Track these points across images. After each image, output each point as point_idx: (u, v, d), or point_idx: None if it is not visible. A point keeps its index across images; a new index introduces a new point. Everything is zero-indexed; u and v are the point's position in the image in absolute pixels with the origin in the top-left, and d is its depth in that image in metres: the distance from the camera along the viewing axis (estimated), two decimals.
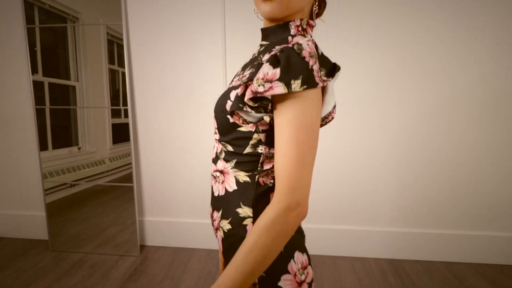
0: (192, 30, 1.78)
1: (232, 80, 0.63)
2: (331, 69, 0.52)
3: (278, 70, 0.47)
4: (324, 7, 0.64)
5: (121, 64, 2.05)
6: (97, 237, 2.07)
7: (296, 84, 0.46)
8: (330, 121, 0.63)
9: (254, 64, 0.58)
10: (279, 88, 0.46)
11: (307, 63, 0.47)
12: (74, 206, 2.16)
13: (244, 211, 0.55)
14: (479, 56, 1.66)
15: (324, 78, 0.50)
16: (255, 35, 1.73)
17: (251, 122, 0.54)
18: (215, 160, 0.62)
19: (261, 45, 0.62)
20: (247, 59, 1.76)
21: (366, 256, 1.92)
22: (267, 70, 0.48)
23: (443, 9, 1.63)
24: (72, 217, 2.15)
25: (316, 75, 0.48)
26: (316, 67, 0.48)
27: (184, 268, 1.80)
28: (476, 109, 1.73)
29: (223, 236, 0.58)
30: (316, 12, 0.61)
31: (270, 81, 0.47)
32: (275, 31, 0.59)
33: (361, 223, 1.89)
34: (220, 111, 0.57)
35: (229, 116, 0.55)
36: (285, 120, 0.48)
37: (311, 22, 0.59)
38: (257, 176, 0.56)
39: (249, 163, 0.57)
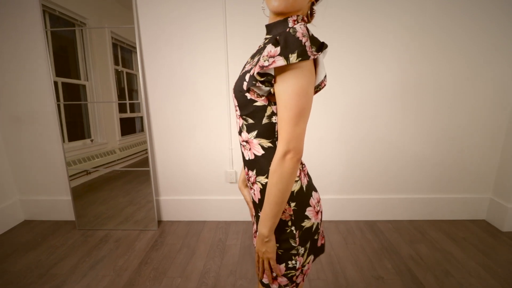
0: (196, 31, 1.85)
1: (244, 67, 0.70)
2: (320, 46, 0.60)
3: (278, 48, 0.56)
4: (314, 16, 0.74)
5: (125, 65, 2.11)
6: (117, 216, 2.18)
7: (293, 57, 0.55)
8: (323, 87, 0.72)
9: (260, 52, 0.66)
10: (280, 61, 0.56)
11: (301, 41, 0.56)
12: (92, 191, 2.24)
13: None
14: (398, 57, 1.84)
15: (315, 52, 0.58)
16: (253, 34, 1.83)
17: (263, 96, 0.63)
18: (240, 133, 0.72)
19: (266, 38, 0.70)
20: (246, 54, 1.86)
21: (347, 219, 2.14)
22: (270, 49, 0.57)
23: (359, 23, 1.78)
24: (91, 200, 2.23)
25: (308, 50, 0.57)
26: (308, 44, 0.57)
27: (198, 238, 1.95)
28: (399, 98, 1.91)
29: (261, 188, 0.70)
30: (313, 13, 0.70)
31: (273, 57, 0.56)
32: (277, 25, 0.67)
33: (342, 193, 2.09)
34: (239, 91, 0.66)
35: (247, 94, 0.65)
36: (281, 89, 0.59)
37: (305, 18, 0.67)
38: (276, 142, 0.67)
39: (268, 132, 0.67)
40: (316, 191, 0.75)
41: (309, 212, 0.71)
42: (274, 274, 0.71)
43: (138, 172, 2.20)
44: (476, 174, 2.03)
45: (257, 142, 0.68)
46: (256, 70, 0.60)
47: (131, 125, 2.41)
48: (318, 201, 0.74)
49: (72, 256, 1.74)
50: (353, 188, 2.08)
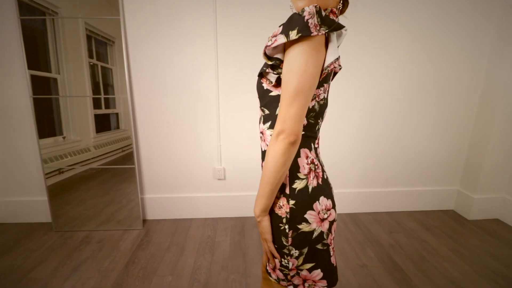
0: (186, 28, 1.83)
1: None
2: (330, 25, 0.58)
3: (281, 28, 0.58)
4: (347, 6, 0.69)
5: (100, 58, 2.04)
6: (97, 216, 2.10)
7: (293, 34, 0.55)
8: (332, 69, 0.65)
9: None
10: (281, 39, 0.57)
11: (304, 17, 0.55)
12: (66, 191, 2.13)
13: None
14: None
15: (322, 30, 0.57)
16: (245, 27, 1.84)
17: (274, 83, 0.64)
18: (259, 124, 0.73)
19: None
20: (238, 49, 1.87)
21: None
22: (275, 30, 0.60)
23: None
24: (66, 201, 2.12)
25: (313, 27, 0.55)
26: (312, 21, 0.55)
27: (186, 235, 1.94)
28: (375, 101, 2.07)
29: None
30: (340, 9, 0.67)
31: (275, 36, 0.58)
32: None
33: None
34: (258, 81, 0.69)
35: (263, 84, 0.66)
36: (284, 68, 0.59)
37: (334, 10, 0.64)
38: None
39: None
40: (328, 198, 0.70)
41: (309, 216, 0.67)
42: (277, 263, 0.72)
43: (116, 171, 2.14)
44: (445, 169, 2.23)
45: (269, 133, 0.69)
46: (263, 52, 0.62)
47: (106, 122, 2.32)
48: (328, 209, 0.69)
49: (51, 259, 1.66)
50: (334, 182, 2.19)
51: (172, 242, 1.85)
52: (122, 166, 2.08)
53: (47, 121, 2.01)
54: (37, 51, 1.95)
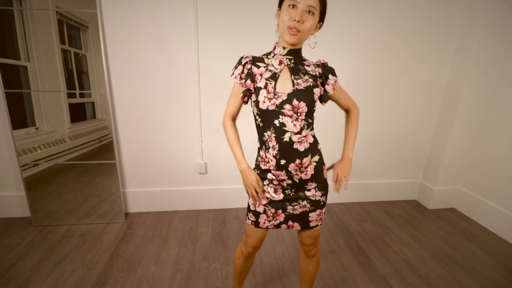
0: (167, 22, 1.84)
1: (294, 80, 0.91)
2: None
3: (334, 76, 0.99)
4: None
5: (72, 44, 2.01)
6: (78, 210, 2.13)
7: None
8: None
9: (309, 73, 0.94)
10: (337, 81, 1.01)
11: None
12: (41, 185, 2.13)
13: (319, 147, 1.00)
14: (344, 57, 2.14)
15: None
16: (227, 19, 1.88)
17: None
18: (300, 132, 0.91)
19: (290, 59, 0.94)
20: (219, 42, 1.91)
21: None
22: (333, 78, 0.99)
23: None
24: (43, 195, 2.13)
25: None
26: None
27: (169, 227, 2.03)
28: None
29: (315, 165, 0.97)
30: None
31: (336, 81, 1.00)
32: (297, 51, 0.94)
33: None
34: (312, 101, 0.91)
35: (316, 103, 0.95)
36: (339, 89, 1.03)
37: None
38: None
39: (313, 124, 0.98)
40: None
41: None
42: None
43: (94, 163, 2.16)
44: (410, 163, 2.46)
45: (310, 134, 0.95)
46: (332, 91, 0.98)
47: (81, 112, 2.31)
48: None
49: (33, 254, 1.70)
50: None
51: (155, 234, 1.94)
52: (103, 162, 2.11)
53: (18, 111, 1.97)
54: (3, 37, 1.89)
